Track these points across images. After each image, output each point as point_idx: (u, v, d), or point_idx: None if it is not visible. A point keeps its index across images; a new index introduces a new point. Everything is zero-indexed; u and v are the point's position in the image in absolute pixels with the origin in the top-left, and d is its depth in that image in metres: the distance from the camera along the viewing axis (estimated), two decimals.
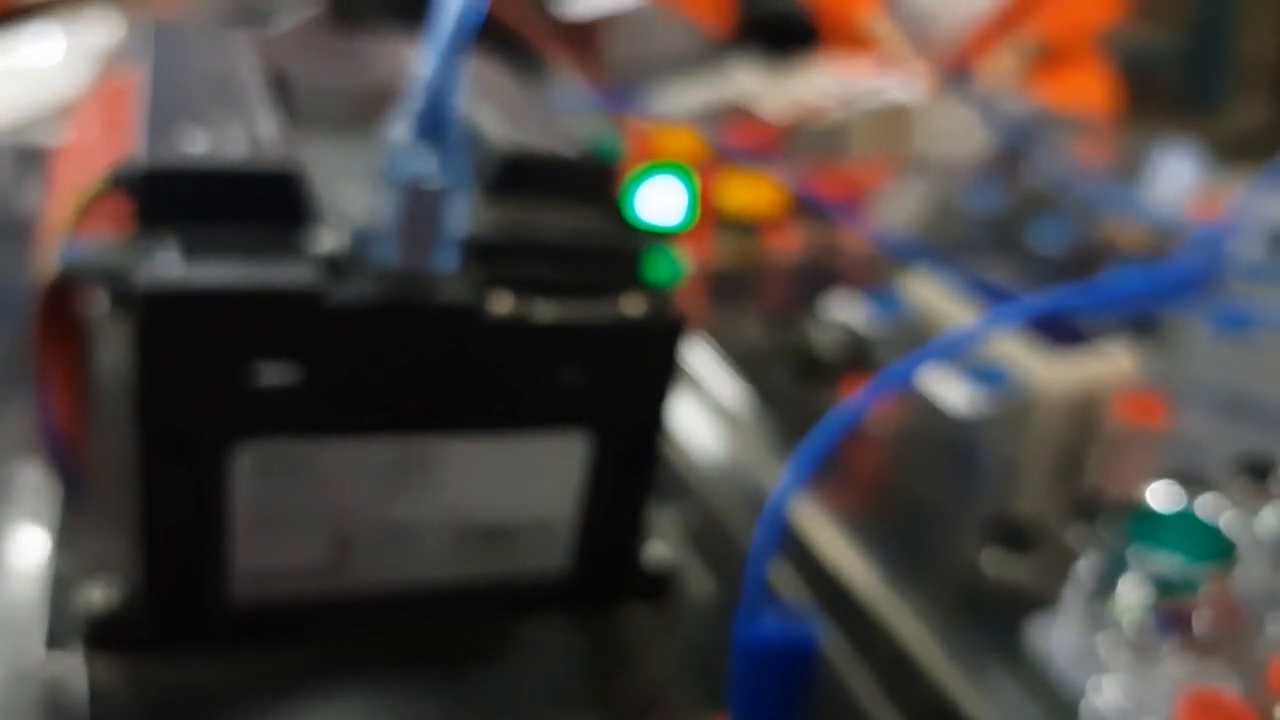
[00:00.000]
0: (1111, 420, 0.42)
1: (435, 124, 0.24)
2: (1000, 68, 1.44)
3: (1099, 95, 1.54)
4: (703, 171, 0.54)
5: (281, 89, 0.34)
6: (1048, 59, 1.48)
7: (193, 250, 0.24)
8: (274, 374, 0.25)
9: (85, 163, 0.31)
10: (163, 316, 0.23)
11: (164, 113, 0.28)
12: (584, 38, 1.09)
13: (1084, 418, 0.43)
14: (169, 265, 0.23)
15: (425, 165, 0.24)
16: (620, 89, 0.86)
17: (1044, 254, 0.58)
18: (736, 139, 0.56)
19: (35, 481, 0.34)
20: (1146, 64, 2.44)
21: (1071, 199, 0.64)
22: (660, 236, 0.56)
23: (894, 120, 0.73)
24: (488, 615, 0.30)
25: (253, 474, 0.25)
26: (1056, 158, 0.66)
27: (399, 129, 0.24)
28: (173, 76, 0.31)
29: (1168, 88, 2.48)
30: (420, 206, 0.24)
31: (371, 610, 0.28)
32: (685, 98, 0.99)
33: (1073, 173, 0.65)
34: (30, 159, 0.59)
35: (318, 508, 0.26)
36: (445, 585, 0.29)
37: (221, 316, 0.23)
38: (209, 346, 0.24)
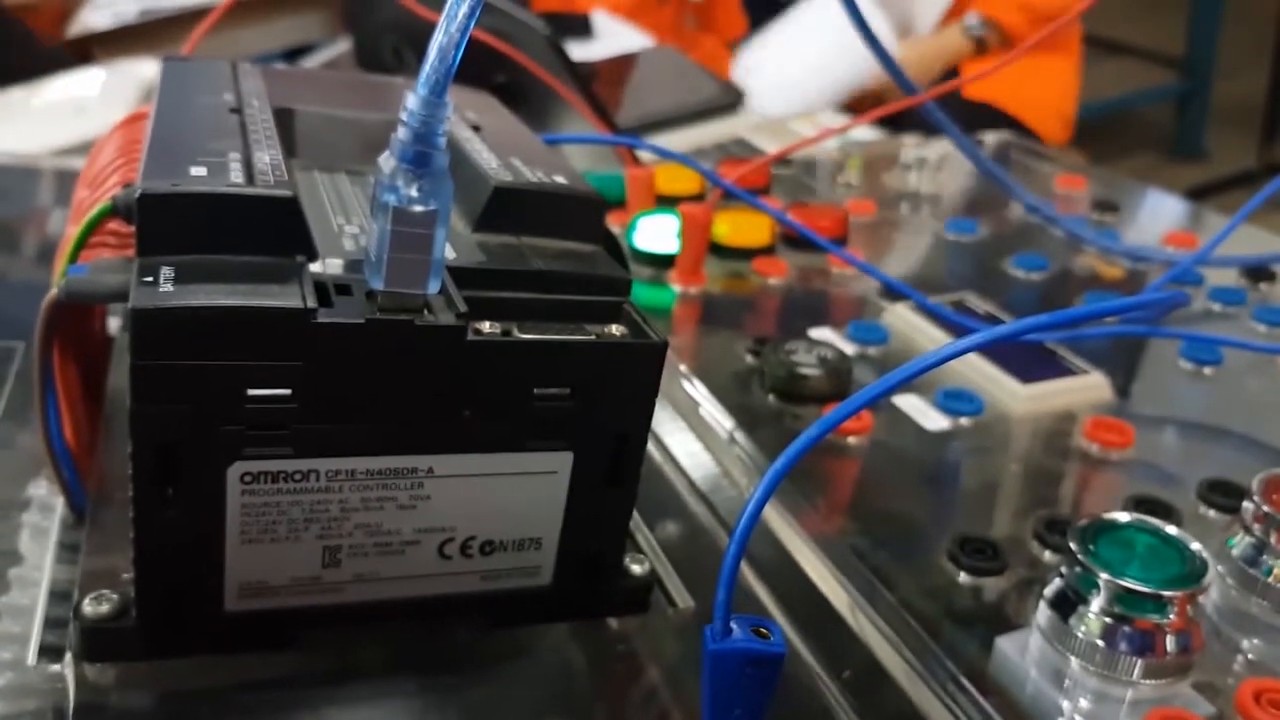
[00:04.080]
0: (1083, 445, 0.42)
1: (421, 152, 0.24)
2: (947, 46, 1.40)
3: (1053, 91, 1.48)
4: (699, 205, 0.54)
5: (286, 122, 0.34)
6: (999, 45, 1.43)
7: (186, 273, 0.24)
8: (265, 394, 0.24)
9: (98, 189, 0.31)
10: (153, 336, 0.23)
11: (166, 143, 0.28)
12: (597, 80, 1.09)
13: (1057, 442, 0.42)
14: (161, 287, 0.23)
15: (410, 190, 0.24)
16: (629, 128, 0.87)
17: (1025, 283, 0.57)
18: (732, 174, 0.55)
19: (44, 496, 0.33)
20: (1140, 105, 2.44)
21: (1054, 232, 0.64)
22: (653, 263, 0.55)
23: (884, 155, 0.73)
24: (472, 627, 0.29)
25: (245, 490, 0.25)
26: (1039, 193, 0.65)
27: (386, 156, 0.24)
28: (178, 109, 0.31)
29: (1158, 130, 2.49)
30: (405, 229, 0.24)
31: (360, 621, 0.28)
32: (689, 136, 0.99)
33: (1055, 208, 0.64)
34: (70, 183, 0.60)
35: (309, 523, 0.26)
36: (432, 597, 0.28)
37: (212, 337, 0.23)
38: (200, 366, 0.23)
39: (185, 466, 0.24)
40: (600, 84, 1.15)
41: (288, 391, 0.24)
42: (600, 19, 1.44)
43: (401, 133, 0.24)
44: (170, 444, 0.24)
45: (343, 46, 1.49)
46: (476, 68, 0.44)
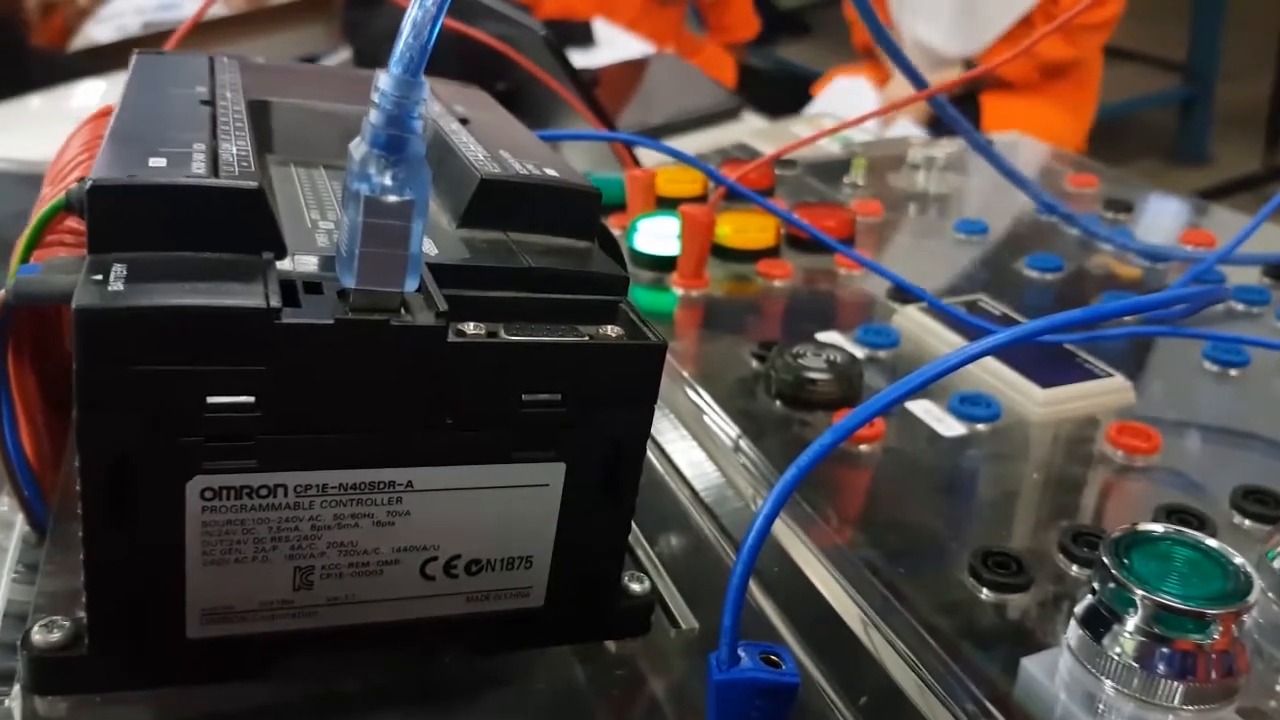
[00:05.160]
0: (1107, 451, 0.39)
1: (395, 136, 0.21)
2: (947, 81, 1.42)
3: (1070, 119, 1.51)
4: (701, 205, 0.51)
5: (262, 115, 0.32)
6: (996, 87, 1.46)
7: (140, 271, 0.22)
8: (226, 402, 0.22)
9: (59, 185, 0.29)
10: (100, 339, 0.21)
11: (128, 134, 0.26)
12: (599, 87, 1.08)
13: (1079, 449, 0.40)
14: (111, 285, 0.21)
15: (384, 178, 0.22)
16: (632, 132, 0.84)
17: (1039, 284, 0.55)
18: (733, 174, 0.53)
19: (4, 512, 0.31)
20: (1143, 110, 2.42)
21: (1067, 232, 0.61)
22: (654, 266, 0.53)
23: (890, 156, 0.71)
24: (459, 652, 0.27)
25: (207, 507, 0.23)
26: (1049, 192, 0.63)
27: (357, 142, 0.22)
28: (145, 101, 0.29)
29: (1162, 135, 2.46)
30: (378, 221, 0.22)
31: (335, 648, 0.25)
32: (691, 141, 0.97)
33: (1067, 206, 0.62)
34: None
35: (277, 542, 0.24)
36: (414, 621, 0.26)
37: (165, 339, 0.21)
38: (153, 372, 0.21)
39: (139, 481, 0.22)
40: (602, 91, 1.13)
41: (251, 399, 0.22)
42: (601, 27, 1.42)
43: (373, 116, 0.22)
44: (122, 457, 0.22)
45: (344, 55, 1.48)
46: (476, 76, 0.42)
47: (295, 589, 0.24)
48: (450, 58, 0.40)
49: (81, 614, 0.23)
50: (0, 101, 1.09)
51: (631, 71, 1.26)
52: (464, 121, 0.33)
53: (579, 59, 1.22)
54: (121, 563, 0.23)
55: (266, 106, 0.32)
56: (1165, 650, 0.26)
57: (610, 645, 0.29)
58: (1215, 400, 0.44)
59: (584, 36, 1.39)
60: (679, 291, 0.52)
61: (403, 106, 0.22)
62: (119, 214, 0.22)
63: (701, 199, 0.58)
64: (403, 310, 0.23)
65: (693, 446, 0.40)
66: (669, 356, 0.38)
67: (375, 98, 0.22)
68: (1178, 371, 0.46)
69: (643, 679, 0.28)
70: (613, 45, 1.38)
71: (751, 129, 1.05)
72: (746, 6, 1.80)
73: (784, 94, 1.54)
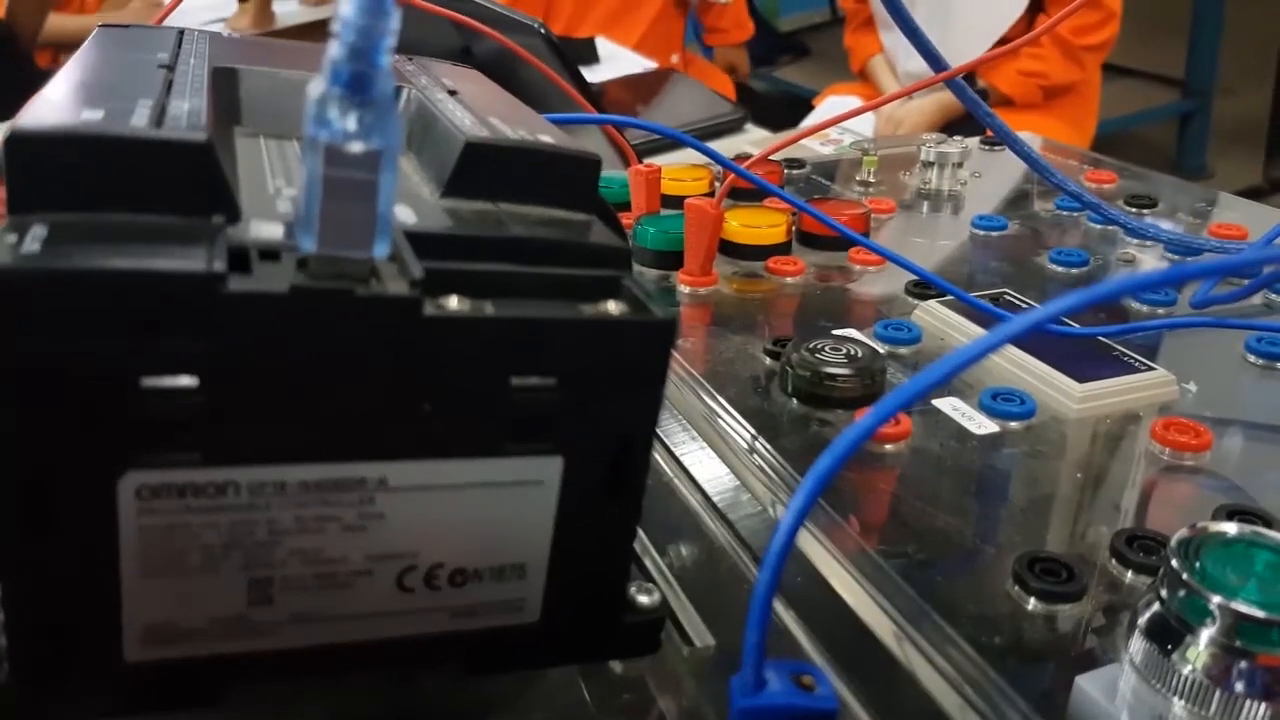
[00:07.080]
0: (1153, 449, 0.35)
1: (359, 73, 0.18)
2: (946, 104, 1.40)
3: (1073, 131, 1.51)
4: (707, 199, 0.48)
5: (229, 83, 0.28)
6: (999, 104, 1.46)
7: (64, 232, 0.18)
8: (164, 385, 0.18)
9: None
10: (10, 309, 0.17)
11: (66, 90, 0.22)
12: (604, 100, 1.05)
13: (1122, 446, 0.36)
14: (24, 247, 0.17)
15: (347, 123, 0.18)
16: (635, 146, 0.81)
17: (1065, 278, 0.51)
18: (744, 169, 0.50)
19: None
20: (1140, 124, 2.39)
21: (1089, 226, 0.58)
22: (660, 264, 0.50)
23: (901, 155, 0.67)
24: (442, 675, 0.23)
25: (143, 509, 0.19)
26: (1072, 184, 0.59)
27: (315, 82, 0.18)
28: (96, 64, 0.26)
29: (1161, 150, 2.44)
30: (341, 172, 0.18)
31: (300, 671, 0.22)
32: (695, 152, 0.94)
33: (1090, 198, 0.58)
34: None
35: (229, 550, 0.20)
36: (390, 640, 0.22)
37: (87, 310, 0.17)
38: (77, 349, 0.18)
39: (63, 479, 0.18)
40: (607, 103, 1.10)
41: (194, 382, 0.18)
42: (604, 45, 1.40)
43: (334, 49, 0.18)
44: (40, 450, 0.18)
45: None
46: None
47: (251, 604, 0.21)
48: None
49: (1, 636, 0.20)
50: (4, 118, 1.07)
51: (636, 85, 1.24)
52: (452, 93, 0.29)
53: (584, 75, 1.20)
54: (44, 576, 0.19)
55: (234, 74, 0.28)
56: (1246, 666, 0.23)
57: (615, 666, 0.25)
58: (1262, 395, 0.40)
59: (588, 54, 1.37)
60: (685, 289, 0.48)
61: (369, 37, 0.18)
62: (42, 168, 0.19)
63: (708, 198, 0.55)
64: (372, 280, 0.19)
65: (703, 448, 0.37)
66: (676, 356, 0.34)
67: (336, 28, 0.18)
68: (1218, 366, 0.42)
69: (652, 704, 0.24)
70: (617, 61, 1.36)
71: (753, 139, 1.02)
72: (741, 8, 1.79)
73: (784, 113, 1.52)
